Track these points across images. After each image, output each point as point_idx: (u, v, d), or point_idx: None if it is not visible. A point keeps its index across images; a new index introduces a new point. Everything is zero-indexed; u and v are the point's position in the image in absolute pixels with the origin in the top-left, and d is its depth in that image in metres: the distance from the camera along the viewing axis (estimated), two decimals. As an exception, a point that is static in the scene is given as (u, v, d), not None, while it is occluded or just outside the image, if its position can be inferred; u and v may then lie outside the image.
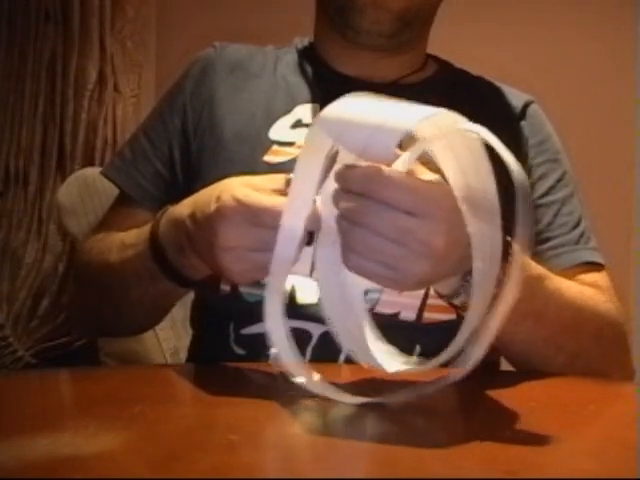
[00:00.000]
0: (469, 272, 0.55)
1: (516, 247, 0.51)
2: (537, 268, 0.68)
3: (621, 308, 0.79)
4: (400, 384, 0.55)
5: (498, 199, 0.53)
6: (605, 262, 0.85)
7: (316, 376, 0.55)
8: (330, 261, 0.57)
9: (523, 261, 0.61)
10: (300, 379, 0.55)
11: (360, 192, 0.52)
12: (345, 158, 0.54)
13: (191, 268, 0.68)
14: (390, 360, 0.57)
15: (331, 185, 0.55)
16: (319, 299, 0.59)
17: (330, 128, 0.52)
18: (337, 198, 0.54)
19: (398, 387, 0.54)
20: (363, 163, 0.53)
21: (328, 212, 0.57)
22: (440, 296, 0.65)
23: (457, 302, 0.63)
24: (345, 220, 0.54)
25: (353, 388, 0.56)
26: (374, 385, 0.59)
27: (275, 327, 0.56)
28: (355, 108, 0.52)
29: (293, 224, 0.56)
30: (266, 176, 0.62)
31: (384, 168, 0.52)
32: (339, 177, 0.54)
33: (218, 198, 0.60)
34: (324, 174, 0.55)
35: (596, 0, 2.00)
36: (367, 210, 0.52)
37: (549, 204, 0.85)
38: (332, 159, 0.55)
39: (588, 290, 0.77)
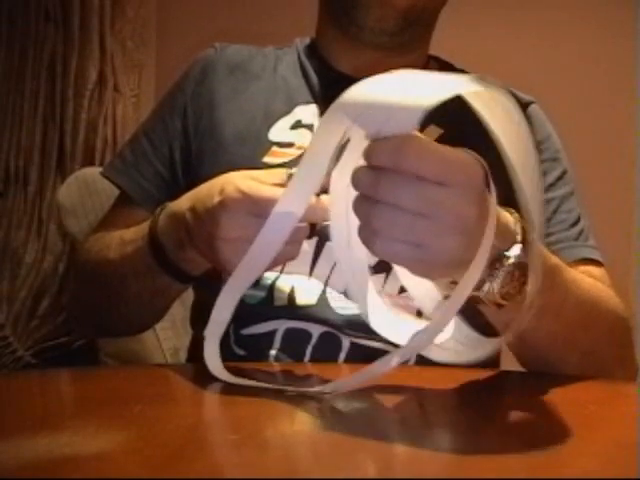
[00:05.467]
0: (496, 260, 0.53)
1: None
2: (553, 258, 0.64)
3: (623, 304, 0.78)
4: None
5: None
6: (604, 262, 0.84)
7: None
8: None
9: (540, 250, 0.60)
10: (222, 377, 0.57)
11: (386, 164, 0.48)
12: (355, 149, 0.52)
13: (190, 262, 0.69)
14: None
15: (343, 177, 0.52)
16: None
17: (349, 109, 0.49)
18: (357, 178, 0.50)
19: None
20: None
21: (340, 209, 0.56)
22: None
23: (481, 295, 0.56)
24: (366, 201, 0.49)
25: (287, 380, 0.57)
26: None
27: (214, 327, 0.58)
28: (375, 87, 0.48)
29: (287, 210, 0.54)
30: (267, 170, 0.62)
31: (411, 137, 0.47)
32: (368, 152, 0.49)
33: (222, 190, 0.60)
34: (330, 167, 0.53)
35: (596, 0, 2.00)
36: (392, 184, 0.48)
37: (548, 201, 0.85)
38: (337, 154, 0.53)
39: (598, 283, 0.76)
